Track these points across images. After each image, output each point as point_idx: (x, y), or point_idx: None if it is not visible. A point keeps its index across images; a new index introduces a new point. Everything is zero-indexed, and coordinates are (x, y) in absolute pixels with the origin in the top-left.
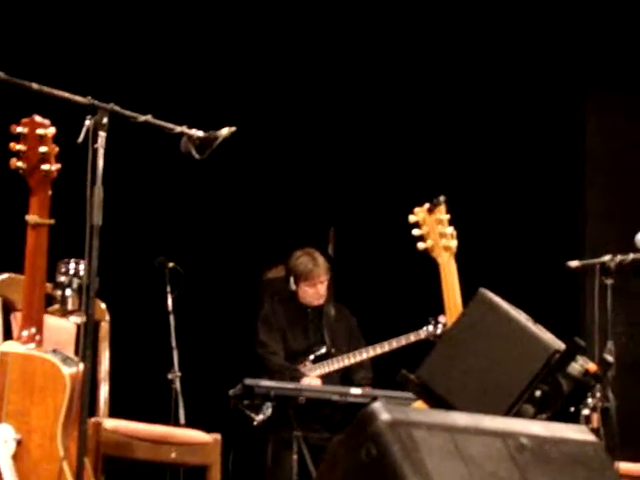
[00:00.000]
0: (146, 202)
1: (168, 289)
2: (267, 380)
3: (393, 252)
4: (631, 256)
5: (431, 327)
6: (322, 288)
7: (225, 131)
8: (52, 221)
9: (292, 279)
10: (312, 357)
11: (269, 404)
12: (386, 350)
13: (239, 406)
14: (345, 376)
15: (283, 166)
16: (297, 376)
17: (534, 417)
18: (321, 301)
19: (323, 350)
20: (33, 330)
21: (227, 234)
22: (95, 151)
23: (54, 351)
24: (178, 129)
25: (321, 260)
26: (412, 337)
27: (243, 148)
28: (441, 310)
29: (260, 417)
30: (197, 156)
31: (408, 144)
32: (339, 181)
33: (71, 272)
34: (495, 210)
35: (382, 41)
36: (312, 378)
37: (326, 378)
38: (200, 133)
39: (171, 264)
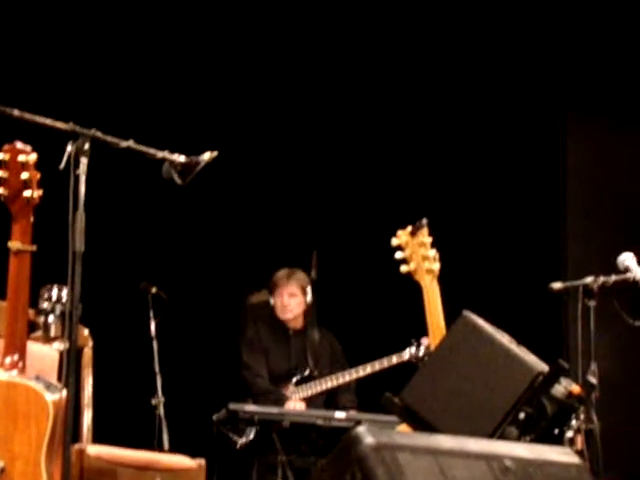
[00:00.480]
0: (128, 227)
1: (151, 314)
2: (251, 404)
3: (376, 275)
4: (613, 277)
5: (414, 349)
6: (289, 300)
7: (207, 156)
8: (34, 247)
9: (270, 296)
10: (295, 380)
11: (252, 428)
12: (369, 372)
13: (222, 430)
14: (329, 400)
15: (265, 190)
16: (281, 399)
17: (518, 439)
18: (288, 315)
19: (306, 372)
20: (16, 357)
21: (210, 258)
22: (77, 177)
23: (37, 378)
24: (160, 154)
25: (297, 275)
26: (395, 359)
27: (225, 173)
28: (424, 332)
29: (243, 440)
30: (179, 181)
31: (390, 168)
32: (321, 205)
33: (54, 298)
34: (477, 232)
35: (359, 63)
36: (296, 402)
37: (310, 401)
38: (182, 158)
39: (154, 289)
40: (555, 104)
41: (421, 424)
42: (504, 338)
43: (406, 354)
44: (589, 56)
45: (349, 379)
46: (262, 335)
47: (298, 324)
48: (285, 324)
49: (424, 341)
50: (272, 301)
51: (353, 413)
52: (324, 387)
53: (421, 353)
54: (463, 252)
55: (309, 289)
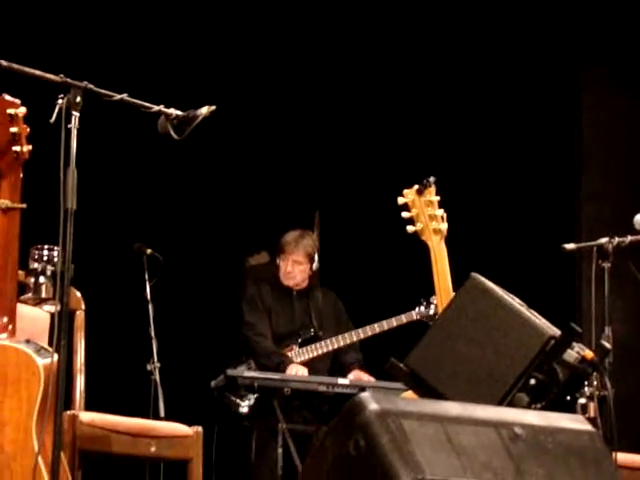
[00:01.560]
0: (123, 185)
1: (146, 277)
2: (250, 370)
3: (381, 235)
4: (629, 238)
5: (423, 308)
6: (293, 267)
7: (205, 110)
8: (24, 205)
9: (277, 255)
10: (299, 341)
11: (252, 395)
12: (376, 332)
13: (223, 396)
14: (334, 360)
15: (266, 147)
16: (284, 362)
17: (529, 406)
18: (291, 282)
19: (311, 333)
20: (5, 319)
21: (208, 219)
22: (68, 132)
23: (27, 341)
24: (155, 108)
25: (306, 242)
26: (404, 318)
27: (224, 128)
28: (432, 295)
29: (246, 404)
30: (176, 136)
31: (398, 123)
32: (324, 162)
33: (45, 259)
34: (488, 191)
35: (370, 23)
36: (298, 367)
37: (315, 363)
38: (178, 112)
39: (149, 250)
40: (570, 59)
41: (427, 390)
42: (514, 301)
43: (415, 313)
44: (603, 9)
45: (356, 339)
46: (264, 293)
47: (302, 286)
48: (285, 283)
49: (433, 299)
50: (277, 261)
51: (357, 376)
52: (330, 348)
53: (431, 311)
54: (472, 212)
55: (316, 256)
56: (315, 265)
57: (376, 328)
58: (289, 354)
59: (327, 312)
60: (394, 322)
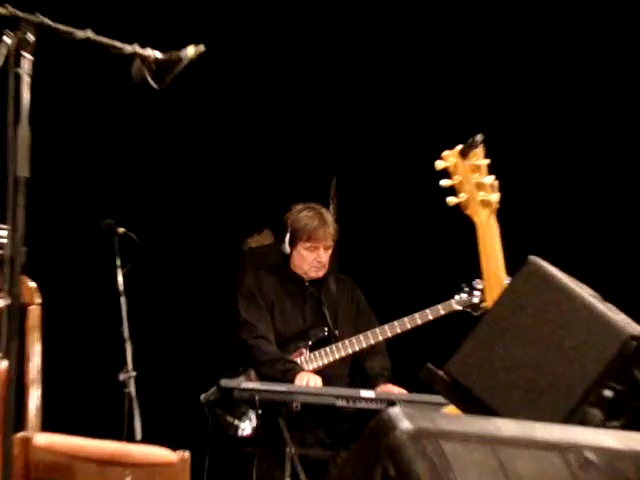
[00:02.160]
0: (88, 147)
1: (118, 262)
2: (249, 380)
3: (412, 208)
4: None
5: (465, 295)
6: (325, 255)
7: (191, 51)
8: None
9: (287, 239)
10: (310, 343)
11: (253, 411)
12: (407, 328)
13: (215, 414)
14: (355, 367)
15: (268, 99)
16: (292, 370)
17: (603, 425)
18: (320, 273)
19: (324, 333)
20: None
21: (196, 189)
22: (18, 78)
23: None
24: (129, 49)
25: (330, 219)
26: (441, 309)
27: (216, 76)
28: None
29: (246, 425)
30: (154, 85)
31: (432, 69)
32: (340, 120)
33: None
34: (548, 153)
35: None
36: (310, 375)
37: (330, 371)
38: (158, 54)
39: (121, 229)
40: None
41: (474, 404)
42: (584, 291)
43: (456, 302)
44: None
45: (381, 339)
46: (267, 285)
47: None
48: (299, 274)
49: (478, 284)
50: (287, 250)
51: (385, 388)
52: (348, 351)
53: (475, 299)
54: (529, 179)
55: None
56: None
57: (407, 324)
58: (298, 360)
59: (344, 305)
60: (429, 315)
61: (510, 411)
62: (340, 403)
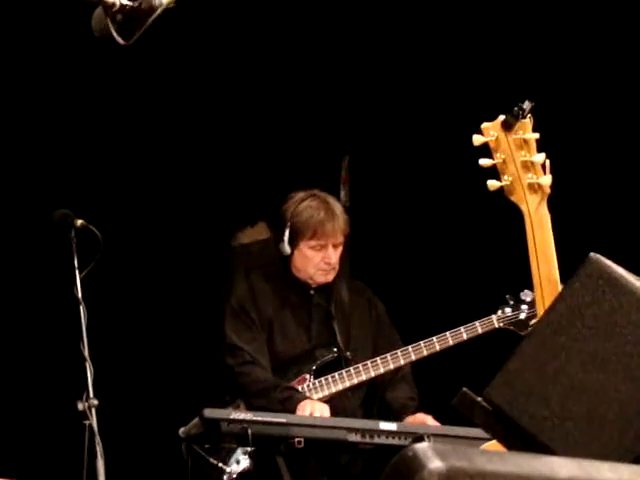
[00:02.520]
0: (39, 123)
1: (75, 263)
2: (241, 410)
3: (444, 196)
4: None
5: (509, 310)
6: (335, 255)
7: None
8: None
9: (287, 237)
10: (315, 367)
11: (244, 450)
12: (436, 350)
13: (196, 452)
14: (371, 397)
15: (266, 67)
16: (292, 398)
17: None
18: (330, 277)
19: (332, 354)
20: None
21: (175, 172)
22: None
23: None
24: None
25: (339, 209)
26: (479, 327)
27: (198, 31)
28: (526, 286)
29: (233, 469)
30: (120, 41)
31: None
32: (354, 83)
33: None
34: (611, 126)
35: None
36: (315, 403)
37: (338, 402)
38: (125, 1)
39: (80, 222)
40: None
41: (521, 438)
42: None
43: (497, 318)
44: None
45: (404, 362)
46: (262, 297)
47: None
48: (302, 280)
49: (526, 296)
50: (287, 250)
51: (413, 421)
52: (362, 378)
53: (523, 315)
54: (589, 159)
55: None
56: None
57: (436, 345)
58: (299, 388)
59: (358, 320)
60: (464, 334)
61: (566, 447)
62: (353, 438)
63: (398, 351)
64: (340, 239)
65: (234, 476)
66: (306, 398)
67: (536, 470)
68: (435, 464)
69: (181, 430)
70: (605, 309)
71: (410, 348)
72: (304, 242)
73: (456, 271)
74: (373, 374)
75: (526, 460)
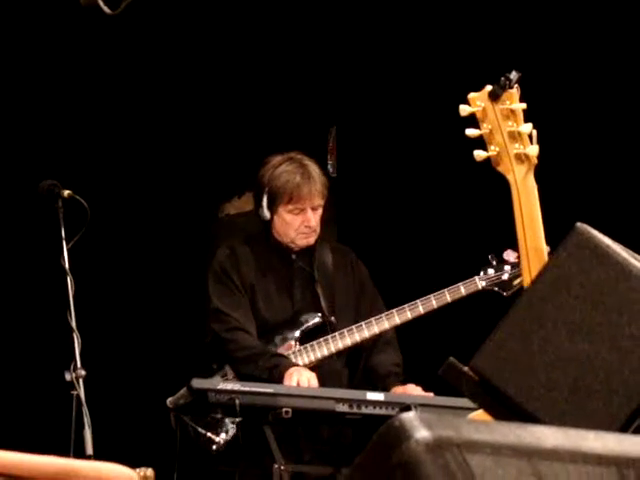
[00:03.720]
0: (23, 92)
1: (62, 233)
2: (229, 379)
3: (430, 165)
4: None
5: (492, 271)
6: (315, 217)
7: None
8: None
9: (265, 202)
10: (298, 333)
11: (232, 420)
12: (421, 313)
13: (184, 423)
14: (354, 364)
15: (250, 38)
16: (280, 366)
17: None
18: (311, 240)
19: (316, 319)
20: None
21: (161, 141)
22: None
23: None
24: None
25: (315, 171)
26: (463, 289)
27: (183, 4)
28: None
29: (222, 438)
30: (107, 10)
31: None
32: (340, 52)
33: None
34: (598, 94)
35: None
36: (303, 370)
37: (324, 368)
38: None
39: (67, 192)
40: None
41: (507, 408)
42: None
43: (481, 279)
44: None
45: (387, 326)
46: (244, 262)
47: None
48: (284, 244)
49: (509, 255)
50: (266, 215)
51: (401, 391)
52: (347, 343)
53: (506, 276)
54: (577, 128)
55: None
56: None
57: (420, 307)
58: (285, 354)
59: (342, 283)
60: (447, 296)
61: (552, 416)
62: (341, 408)
63: (383, 315)
64: (318, 201)
65: (223, 445)
66: (293, 365)
67: (522, 439)
68: (422, 433)
69: (169, 400)
70: (591, 279)
71: (395, 311)
72: (282, 207)
73: (440, 235)
74: (358, 338)
75: (512, 429)
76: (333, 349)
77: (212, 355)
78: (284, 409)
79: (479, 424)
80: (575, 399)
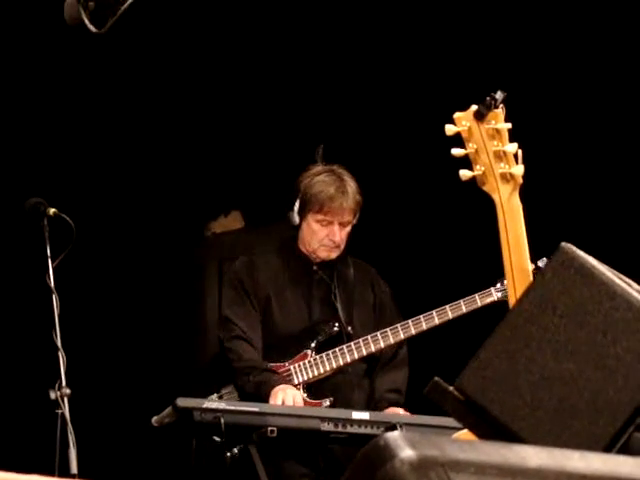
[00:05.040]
0: (10, 109)
1: (48, 252)
2: (213, 400)
3: (419, 184)
4: None
5: (500, 294)
6: (341, 234)
7: None
8: None
9: (297, 207)
10: (314, 343)
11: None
12: (435, 324)
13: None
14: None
15: (240, 55)
16: (267, 383)
17: None
18: (333, 255)
19: (333, 329)
20: None
21: (147, 160)
22: None
23: None
24: None
25: (352, 189)
26: (478, 300)
27: (171, 17)
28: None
29: (236, 449)
30: (93, 28)
31: (440, 13)
32: (328, 74)
33: None
34: (585, 115)
35: None
36: (288, 389)
37: (342, 378)
38: None
39: (53, 210)
40: None
41: (492, 427)
42: (631, 288)
43: (496, 290)
44: None
45: (402, 336)
46: (262, 270)
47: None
48: (306, 254)
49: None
50: (295, 220)
51: (384, 412)
52: (362, 353)
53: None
54: (562, 148)
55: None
56: (356, 219)
57: (435, 318)
58: (301, 364)
59: (362, 297)
60: (463, 307)
61: (537, 436)
62: (327, 427)
63: (398, 325)
64: (347, 218)
65: (236, 456)
66: (282, 383)
67: (507, 459)
68: (406, 453)
69: (154, 419)
70: (576, 299)
71: (410, 322)
72: (312, 215)
73: (429, 260)
74: (373, 349)
75: (497, 449)
76: (349, 359)
77: (216, 374)
78: (269, 428)
79: (464, 443)
80: (560, 419)
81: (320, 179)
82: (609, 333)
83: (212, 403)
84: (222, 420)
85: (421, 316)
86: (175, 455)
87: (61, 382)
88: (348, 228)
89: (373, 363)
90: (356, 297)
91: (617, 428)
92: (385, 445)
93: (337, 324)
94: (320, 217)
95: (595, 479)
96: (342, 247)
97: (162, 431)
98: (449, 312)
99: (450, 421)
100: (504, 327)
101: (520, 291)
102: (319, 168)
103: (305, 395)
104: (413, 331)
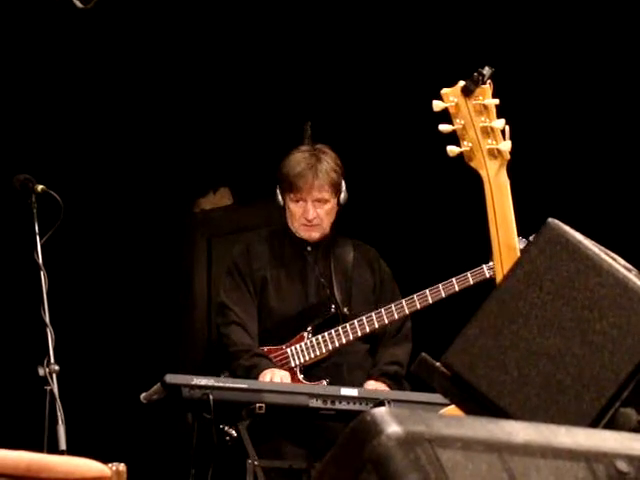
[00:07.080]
0: None
1: (36, 229)
2: (201, 376)
3: (408, 159)
4: None
5: (492, 271)
6: (315, 212)
7: None
8: None
9: (279, 188)
10: (312, 324)
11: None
12: (429, 303)
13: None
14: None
15: (225, 31)
16: (257, 366)
17: (639, 428)
18: (315, 235)
19: (330, 311)
20: None
21: (135, 136)
22: None
23: None
24: None
25: (326, 166)
26: (470, 278)
27: None
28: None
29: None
30: (79, 4)
31: None
32: (315, 49)
33: None
34: (572, 89)
35: None
36: (275, 370)
37: (342, 359)
38: None
39: (40, 187)
40: None
41: (479, 403)
42: (617, 263)
43: (488, 268)
44: None
45: (397, 316)
46: (258, 254)
47: (324, 234)
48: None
49: (520, 243)
50: (280, 201)
51: (372, 387)
52: (357, 334)
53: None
54: (549, 124)
55: (343, 183)
56: (343, 197)
57: (428, 297)
58: (298, 347)
59: (361, 279)
60: (455, 285)
61: (523, 411)
62: (315, 403)
63: (391, 305)
64: (319, 195)
65: (235, 437)
66: (271, 367)
67: (493, 434)
68: (393, 428)
69: (142, 395)
70: (563, 275)
71: (403, 302)
72: (287, 194)
73: (445, 228)
74: (369, 329)
75: (484, 424)
76: (344, 340)
77: (219, 358)
78: (258, 404)
79: (450, 419)
80: (546, 394)
81: (292, 157)
82: (595, 309)
83: (201, 380)
84: (211, 397)
85: (414, 295)
86: (164, 431)
87: (49, 359)
88: (327, 206)
89: (376, 342)
90: (355, 278)
91: (603, 403)
92: (372, 421)
93: (333, 306)
94: (293, 196)
95: (581, 454)
96: (325, 226)
97: (151, 407)
98: (442, 291)
99: (437, 397)
100: (491, 303)
101: (507, 267)
102: (302, 147)
103: (302, 377)
104: (407, 311)
